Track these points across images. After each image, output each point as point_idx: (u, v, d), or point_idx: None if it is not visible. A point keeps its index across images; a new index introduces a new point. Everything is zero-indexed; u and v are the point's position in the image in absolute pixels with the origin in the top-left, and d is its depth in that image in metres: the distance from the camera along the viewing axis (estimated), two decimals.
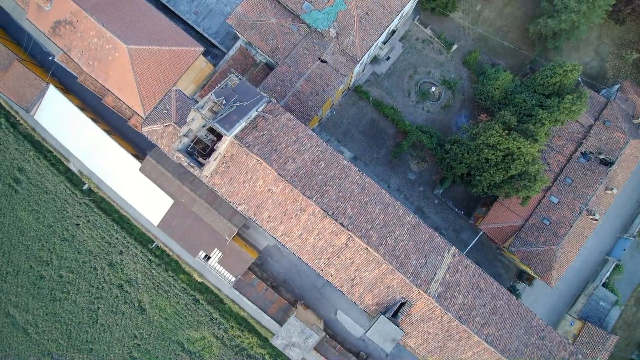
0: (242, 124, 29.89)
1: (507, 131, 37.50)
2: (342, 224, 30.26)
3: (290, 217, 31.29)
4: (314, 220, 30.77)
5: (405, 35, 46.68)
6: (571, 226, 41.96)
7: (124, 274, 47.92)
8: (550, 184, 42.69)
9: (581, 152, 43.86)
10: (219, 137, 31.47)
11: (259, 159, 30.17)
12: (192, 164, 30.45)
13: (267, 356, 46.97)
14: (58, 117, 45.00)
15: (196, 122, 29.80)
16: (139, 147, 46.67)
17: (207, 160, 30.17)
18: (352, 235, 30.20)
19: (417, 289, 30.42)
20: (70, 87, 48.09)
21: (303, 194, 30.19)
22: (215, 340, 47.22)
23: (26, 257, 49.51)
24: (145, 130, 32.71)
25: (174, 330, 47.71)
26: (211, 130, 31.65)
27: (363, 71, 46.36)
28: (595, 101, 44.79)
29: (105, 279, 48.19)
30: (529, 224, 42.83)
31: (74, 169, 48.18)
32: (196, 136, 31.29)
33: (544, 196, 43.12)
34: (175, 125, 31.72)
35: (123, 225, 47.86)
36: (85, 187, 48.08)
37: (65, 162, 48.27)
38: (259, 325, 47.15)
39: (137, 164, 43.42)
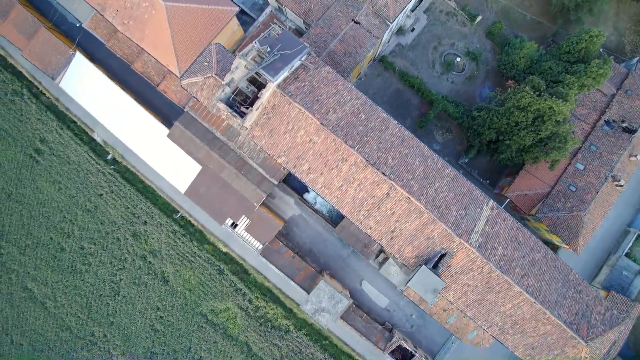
0: (286, 72, 30.04)
1: (537, 93, 37.98)
2: (384, 173, 30.37)
3: (331, 168, 31.35)
4: (355, 171, 30.85)
5: (430, 7, 47.35)
6: (597, 192, 42.36)
7: (147, 244, 47.43)
8: (579, 147, 43.20)
9: (605, 121, 44.50)
10: (260, 88, 31.61)
11: (301, 108, 30.29)
12: (233, 114, 30.46)
13: (291, 327, 46.52)
14: (84, 85, 44.84)
15: (239, 70, 29.92)
16: (165, 116, 46.56)
17: (250, 109, 30.23)
18: (394, 185, 30.30)
19: (458, 239, 30.49)
20: (95, 57, 48.03)
21: (345, 143, 30.30)
22: (239, 311, 46.73)
23: (46, 229, 48.86)
24: (184, 82, 32.74)
25: (198, 301, 47.17)
26: (252, 82, 31.78)
27: (389, 42, 46.85)
28: (617, 71, 45.59)
29: (128, 250, 47.65)
30: (556, 191, 43.20)
31: (98, 139, 47.88)
32: (237, 87, 31.39)
33: (569, 163, 43.59)
34: (217, 77, 31.80)
35: (147, 195, 47.50)
36: (109, 157, 47.76)
37: (89, 132, 47.98)
38: (283, 296, 46.77)
39: (164, 131, 43.33)
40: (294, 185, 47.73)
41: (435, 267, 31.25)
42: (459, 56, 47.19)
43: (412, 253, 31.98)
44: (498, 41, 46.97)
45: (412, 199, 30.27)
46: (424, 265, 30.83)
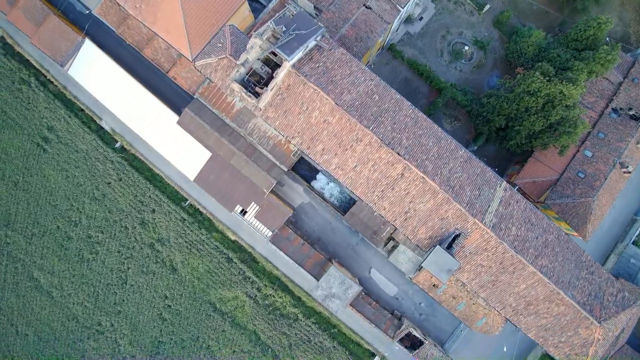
0: (301, 52, 30.12)
1: (547, 79, 38.21)
2: (398, 153, 30.44)
3: (345, 149, 31.40)
4: (370, 151, 30.91)
5: None
6: (605, 178, 42.58)
7: (155, 232, 47.27)
8: (587, 135, 43.44)
9: (612, 108, 44.78)
10: (275, 69, 31.66)
11: (316, 88, 30.36)
12: (248, 94, 30.49)
13: (300, 315, 46.40)
14: (93, 72, 44.77)
15: (254, 50, 30.00)
16: (173, 104, 46.49)
17: (264, 89, 30.28)
18: (409, 165, 30.38)
19: (472, 219, 30.57)
20: (103, 46, 47.92)
21: (360, 123, 30.37)
22: (247, 300, 46.59)
23: (53, 217, 48.63)
24: (198, 64, 32.77)
25: (206, 290, 47.00)
26: (266, 63, 31.84)
27: (397, 30, 47.07)
28: (623, 60, 45.92)
29: (136, 238, 47.45)
30: (565, 178, 43.39)
31: (107, 127, 47.76)
32: (252, 68, 31.45)
33: (578, 150, 43.82)
34: (231, 58, 31.83)
35: (156, 183, 47.38)
36: (117, 145, 47.64)
37: (97, 120, 47.85)
38: (292, 284, 46.68)
39: (174, 118, 43.27)
40: (303, 173, 47.71)
41: (449, 248, 31.28)
42: (467, 45, 47.46)
43: (426, 234, 32.02)
44: (506, 30, 47.28)
45: (426, 178, 30.34)
46: (438, 246, 30.87)
